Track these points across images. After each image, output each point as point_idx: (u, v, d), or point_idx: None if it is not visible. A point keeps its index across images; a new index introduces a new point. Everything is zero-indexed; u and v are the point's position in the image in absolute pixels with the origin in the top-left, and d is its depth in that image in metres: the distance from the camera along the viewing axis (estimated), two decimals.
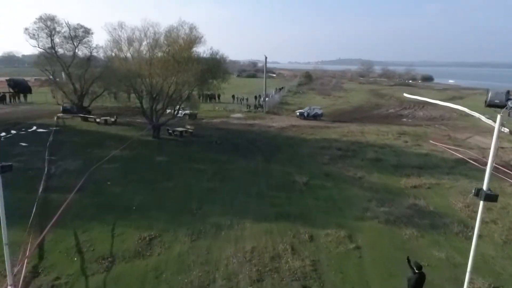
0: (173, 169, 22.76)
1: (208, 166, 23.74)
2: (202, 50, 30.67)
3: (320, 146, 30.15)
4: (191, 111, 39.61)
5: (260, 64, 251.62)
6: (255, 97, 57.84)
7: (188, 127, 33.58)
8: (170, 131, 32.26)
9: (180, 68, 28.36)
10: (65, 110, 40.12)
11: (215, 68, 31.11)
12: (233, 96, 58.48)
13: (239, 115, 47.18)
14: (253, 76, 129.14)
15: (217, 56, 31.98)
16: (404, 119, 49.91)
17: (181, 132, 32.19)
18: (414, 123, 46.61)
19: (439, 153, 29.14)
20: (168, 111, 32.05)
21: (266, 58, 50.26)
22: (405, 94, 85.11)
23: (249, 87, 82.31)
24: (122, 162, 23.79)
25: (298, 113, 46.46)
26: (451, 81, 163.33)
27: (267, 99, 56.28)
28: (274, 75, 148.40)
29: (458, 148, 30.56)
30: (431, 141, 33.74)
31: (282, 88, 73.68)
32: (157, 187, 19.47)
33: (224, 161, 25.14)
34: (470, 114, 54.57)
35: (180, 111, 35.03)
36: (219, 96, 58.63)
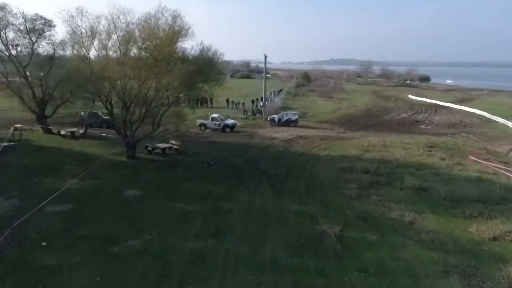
0: (146, 213, 15.91)
1: (197, 205, 16.94)
2: (189, 45, 23.98)
3: (341, 167, 23.50)
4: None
5: (253, 64, 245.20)
6: (252, 101, 51.07)
7: (173, 142, 26.67)
8: (149, 148, 25.41)
9: (161, 68, 21.50)
10: (82, 120, 33.51)
11: (206, 68, 24.32)
12: (227, 100, 51.59)
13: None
14: (247, 76, 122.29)
15: (209, 54, 25.21)
16: (422, 126, 43.60)
17: (163, 149, 25.33)
18: (435, 131, 40.31)
19: (494, 177, 22.68)
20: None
21: (265, 57, 43.58)
22: (410, 96, 79.07)
23: (245, 89, 75.54)
24: (76, 201, 16.85)
25: (269, 119, 40.43)
26: (448, 81, 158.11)
27: (266, 103, 49.61)
28: (269, 75, 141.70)
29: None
30: (471, 157, 27.37)
31: (281, 90, 67.15)
32: (117, 254, 12.59)
33: (218, 195, 18.36)
34: (492, 119, 48.54)
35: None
36: (211, 100, 51.72)
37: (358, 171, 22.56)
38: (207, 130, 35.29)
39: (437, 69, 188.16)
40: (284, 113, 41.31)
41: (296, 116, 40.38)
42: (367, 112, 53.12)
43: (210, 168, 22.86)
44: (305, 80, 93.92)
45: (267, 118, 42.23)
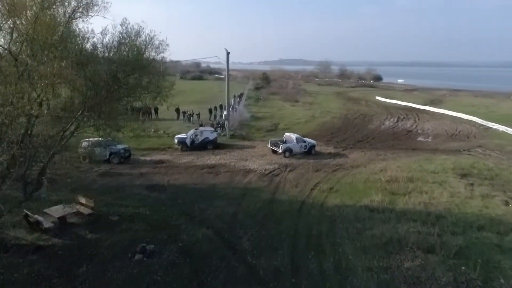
0: None
1: None
2: (98, 25, 12.62)
3: (377, 236, 13.52)
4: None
5: (203, 65, 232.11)
6: (210, 111, 39.93)
7: (83, 200, 14.95)
8: (31, 219, 13.61)
9: (43, 72, 10.07)
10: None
11: (137, 70, 13.19)
12: (177, 110, 39.90)
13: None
14: (199, 78, 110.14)
15: (141, 46, 13.86)
16: (421, 139, 35.31)
17: (61, 219, 13.72)
18: (440, 145, 32.12)
19: None
20: None
21: (228, 53, 32.57)
22: (378, 98, 72.31)
23: (198, 93, 64.09)
24: None
25: (177, 141, 27.83)
26: (400, 81, 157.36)
27: (225, 113, 38.77)
28: (223, 76, 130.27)
29: None
30: None
31: (241, 94, 56.63)
32: None
33: None
34: (488, 126, 41.81)
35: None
36: (156, 110, 39.90)
37: (412, 247, 12.73)
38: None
39: (384, 69, 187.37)
40: (200, 130, 28.48)
41: (215, 135, 28.61)
42: (346, 121, 44.17)
43: (145, 263, 11.72)
44: (264, 82, 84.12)
45: (227, 134, 31.52)
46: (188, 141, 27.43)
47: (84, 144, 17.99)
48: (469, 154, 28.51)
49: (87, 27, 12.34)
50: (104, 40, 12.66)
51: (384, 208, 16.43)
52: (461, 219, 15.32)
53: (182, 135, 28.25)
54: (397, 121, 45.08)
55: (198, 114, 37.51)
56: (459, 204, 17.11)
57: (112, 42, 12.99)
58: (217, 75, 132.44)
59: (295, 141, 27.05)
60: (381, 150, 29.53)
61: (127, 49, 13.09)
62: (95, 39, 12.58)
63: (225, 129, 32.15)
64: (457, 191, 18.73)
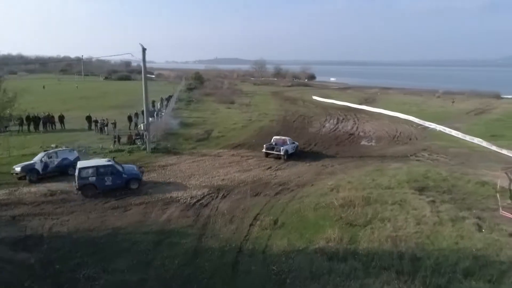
0: None
1: None
2: None
3: None
4: None
5: (134, 64, 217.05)
6: (130, 118, 33.69)
7: None
8: None
9: None
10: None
11: None
12: (89, 118, 33.03)
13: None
14: (127, 78, 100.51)
15: None
16: (364, 143, 32.86)
17: None
18: (386, 150, 29.80)
19: None
20: None
21: (144, 49, 26.64)
22: (314, 97, 70.74)
23: (123, 96, 56.76)
24: None
25: (17, 169, 19.63)
26: (332, 79, 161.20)
27: (153, 120, 32.97)
28: (153, 76, 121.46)
29: None
30: (502, 213, 16.38)
31: (170, 97, 50.49)
32: None
33: None
34: (425, 126, 41.10)
35: None
36: (62, 119, 32.89)
37: None
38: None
39: (317, 67, 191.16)
40: (51, 151, 21.30)
41: (75, 154, 21.67)
42: (286, 124, 40.68)
43: None
44: (197, 82, 78.25)
45: (147, 147, 25.93)
46: (38, 167, 19.72)
47: None
48: (417, 160, 26.25)
49: None
50: None
51: (345, 250, 12.47)
52: (440, 261, 11.87)
53: (24, 164, 19.82)
54: (337, 122, 42.72)
55: (114, 123, 31.12)
56: (430, 235, 13.79)
57: None
58: (148, 75, 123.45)
59: (288, 142, 26.56)
60: (326, 159, 26.14)
61: None
62: None
63: (145, 141, 26.44)
64: (422, 215, 15.51)
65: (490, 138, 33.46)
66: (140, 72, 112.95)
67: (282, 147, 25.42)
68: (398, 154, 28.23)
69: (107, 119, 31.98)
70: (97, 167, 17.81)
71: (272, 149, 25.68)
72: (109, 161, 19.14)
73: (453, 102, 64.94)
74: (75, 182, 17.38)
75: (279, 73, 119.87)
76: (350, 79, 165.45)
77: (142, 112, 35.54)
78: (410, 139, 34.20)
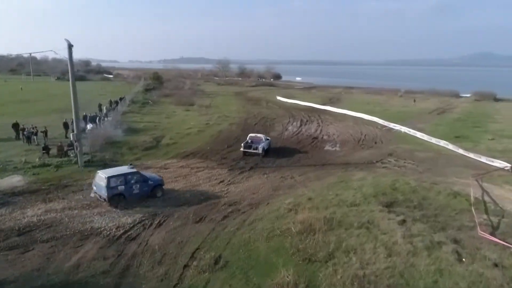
0: None
1: None
2: None
3: None
4: None
5: (94, 63, 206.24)
6: (65, 125, 29.32)
7: None
8: None
9: None
10: None
11: None
12: (15, 126, 28.35)
13: (9, 183, 19.04)
14: (81, 78, 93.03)
15: None
16: (328, 147, 30.54)
17: None
18: (352, 156, 27.62)
19: None
20: None
21: (70, 46, 22.32)
22: (278, 98, 68.38)
23: (68, 99, 51.25)
24: None
25: None
26: (298, 78, 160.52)
27: (89, 126, 29.01)
28: (111, 76, 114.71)
29: None
30: (481, 234, 14.25)
31: (122, 98, 46.12)
32: None
33: None
34: (389, 127, 39.58)
35: None
36: None
37: None
38: None
39: (282, 67, 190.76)
40: None
41: None
42: (246, 127, 37.71)
43: None
44: (156, 82, 73.60)
45: (79, 161, 22.08)
46: None
47: None
48: (384, 167, 24.15)
49: None
50: None
51: None
52: None
53: None
54: (301, 125, 40.31)
55: (44, 131, 26.77)
56: (404, 271, 11.29)
57: None
58: (105, 75, 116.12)
59: (263, 139, 27.24)
60: (286, 168, 23.46)
61: None
62: None
63: (76, 153, 22.47)
64: (393, 242, 13.03)
65: (455, 139, 32.27)
66: (97, 72, 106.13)
67: (259, 145, 25.83)
68: (364, 160, 26.06)
69: (36, 126, 27.53)
70: (125, 175, 16.60)
71: (250, 147, 26.00)
72: (132, 167, 18.08)
73: (414, 101, 64.75)
74: (101, 192, 16.05)
75: (243, 73, 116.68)
76: (315, 78, 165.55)
77: (84, 117, 31.53)
78: (375, 143, 32.29)
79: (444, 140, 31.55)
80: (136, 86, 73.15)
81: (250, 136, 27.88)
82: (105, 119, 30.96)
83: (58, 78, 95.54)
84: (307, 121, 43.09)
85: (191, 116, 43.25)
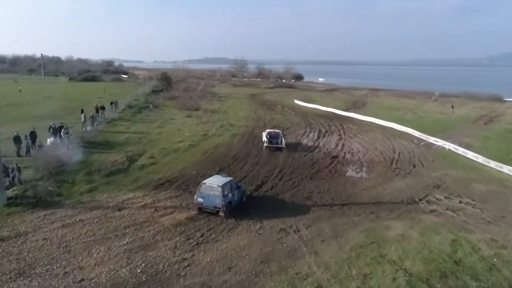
0: None
1: None
2: None
3: None
4: None
5: (119, 64, 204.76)
6: (16, 139, 23.02)
7: None
8: None
9: None
10: None
11: None
12: None
13: None
14: (92, 79, 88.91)
15: None
16: (352, 172, 23.18)
17: None
18: (384, 187, 20.19)
19: None
20: None
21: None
22: (296, 101, 61.06)
23: (63, 102, 45.88)
24: None
25: None
26: (321, 79, 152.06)
27: (49, 141, 22.99)
28: (126, 76, 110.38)
29: None
30: None
31: (113, 102, 39.98)
32: None
33: None
34: (433, 143, 31.60)
35: None
36: None
37: None
38: None
39: (303, 67, 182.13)
40: None
41: None
42: (250, 140, 30.72)
43: None
44: (165, 83, 67.72)
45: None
46: None
47: None
48: (432, 212, 16.65)
49: None
50: None
51: None
52: None
53: None
54: (318, 137, 33.04)
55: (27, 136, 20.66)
56: None
57: None
58: (121, 75, 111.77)
59: (280, 132, 29.04)
60: (291, 212, 16.35)
61: None
62: None
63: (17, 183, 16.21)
64: None
65: None
66: (114, 73, 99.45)
67: (281, 139, 27.85)
68: (401, 196, 18.65)
69: None
70: (230, 182, 16.23)
71: (271, 142, 27.20)
72: (225, 175, 17.65)
73: (453, 107, 55.71)
74: (215, 202, 15.11)
75: (261, 73, 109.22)
76: (339, 79, 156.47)
77: (51, 128, 25.47)
78: (413, 166, 24.63)
79: (504, 163, 23.62)
80: (143, 87, 67.54)
81: (268, 131, 28.79)
82: (68, 134, 24.24)
83: (71, 79, 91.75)
84: (326, 132, 35.71)
85: (190, 124, 36.70)
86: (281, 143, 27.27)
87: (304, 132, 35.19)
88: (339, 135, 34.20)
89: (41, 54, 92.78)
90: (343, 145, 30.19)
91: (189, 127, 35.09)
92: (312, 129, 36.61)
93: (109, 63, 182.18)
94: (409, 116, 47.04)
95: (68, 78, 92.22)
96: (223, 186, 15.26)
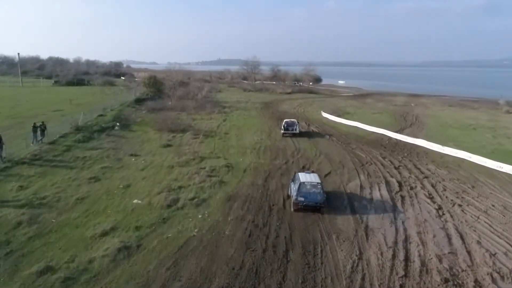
0: None
1: None
2: None
3: None
4: None
5: (125, 65, 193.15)
6: None
7: None
8: None
9: None
10: None
11: None
12: None
13: None
14: (79, 83, 73.27)
15: None
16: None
17: None
18: None
19: None
20: None
21: None
22: (324, 114, 44.47)
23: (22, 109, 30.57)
24: None
25: None
26: (341, 82, 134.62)
27: None
28: (123, 78, 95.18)
29: None
30: None
31: (40, 126, 24.39)
32: None
33: None
34: None
35: None
36: None
37: None
38: None
39: (320, 69, 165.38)
40: None
41: None
42: (258, 213, 14.64)
43: None
44: (152, 90, 51.26)
45: None
46: None
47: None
48: None
49: None
50: None
51: None
52: None
53: None
54: (394, 209, 16.54)
55: None
56: None
57: None
58: (122, 77, 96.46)
59: (296, 121, 31.45)
60: None
61: None
62: None
63: None
64: None
65: None
66: (117, 75, 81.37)
67: (296, 127, 30.58)
68: None
69: None
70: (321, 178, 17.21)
71: (287, 130, 30.30)
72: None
73: None
74: (317, 199, 14.86)
75: (277, 76, 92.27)
76: (360, 81, 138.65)
77: None
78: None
79: None
80: (129, 94, 51.98)
81: (286, 121, 31.15)
82: None
83: (56, 82, 77.17)
84: (400, 186, 19.04)
85: (156, 168, 20.58)
86: (296, 130, 30.09)
87: (360, 187, 18.69)
88: (430, 196, 17.54)
89: (18, 53, 78.21)
90: (460, 235, 13.57)
91: (151, 178, 18.98)
92: (370, 179, 20.05)
93: (118, 64, 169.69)
94: (506, 142, 30.02)
95: (54, 81, 77.66)
96: (321, 183, 15.37)
